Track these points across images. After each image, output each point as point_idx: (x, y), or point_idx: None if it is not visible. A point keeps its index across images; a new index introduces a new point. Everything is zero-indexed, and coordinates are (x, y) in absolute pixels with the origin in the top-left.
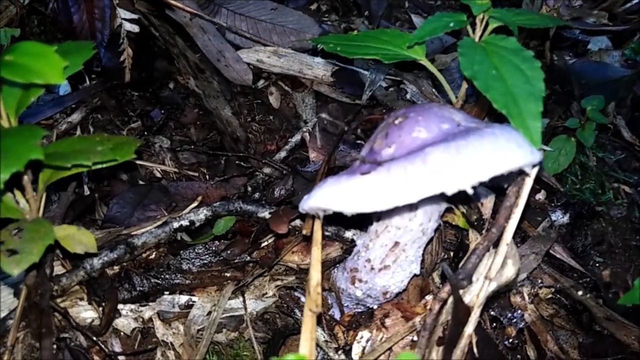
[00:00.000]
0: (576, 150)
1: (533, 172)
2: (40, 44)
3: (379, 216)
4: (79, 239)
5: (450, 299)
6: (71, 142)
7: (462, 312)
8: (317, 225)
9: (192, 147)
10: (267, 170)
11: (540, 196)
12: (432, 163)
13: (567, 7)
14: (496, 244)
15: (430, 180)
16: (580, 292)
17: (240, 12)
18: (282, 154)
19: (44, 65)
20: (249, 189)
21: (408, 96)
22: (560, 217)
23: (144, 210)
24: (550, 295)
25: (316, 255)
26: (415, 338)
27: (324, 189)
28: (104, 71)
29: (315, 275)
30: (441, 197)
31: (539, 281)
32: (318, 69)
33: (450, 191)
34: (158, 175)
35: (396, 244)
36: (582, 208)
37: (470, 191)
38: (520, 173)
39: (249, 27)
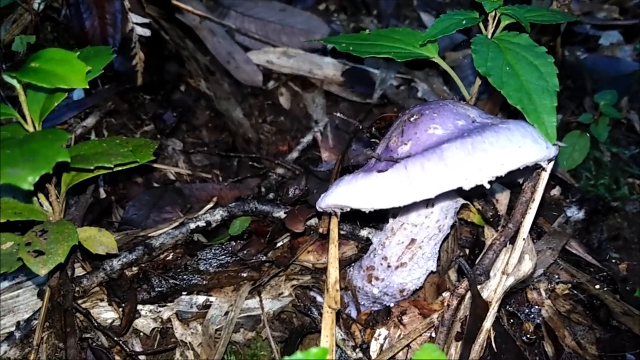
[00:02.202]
0: (590, 146)
1: (549, 167)
2: (64, 51)
3: (395, 214)
4: (100, 240)
5: (469, 295)
6: (93, 145)
7: (480, 307)
8: (334, 223)
9: (205, 149)
10: (280, 171)
11: (556, 192)
12: (449, 159)
13: (578, 2)
14: (513, 240)
15: (447, 176)
16: (597, 287)
17: (249, 14)
18: (295, 154)
19: (68, 71)
20: (263, 189)
21: (419, 94)
22: (575, 213)
23: (160, 212)
24: (567, 291)
25: (334, 253)
26: (434, 335)
27: (342, 187)
28: (117, 76)
29: (333, 273)
30: (458, 193)
31: (556, 277)
32: (328, 69)
33: (468, 186)
34: (172, 177)
35: (413, 241)
36: (597, 204)
37: (487, 186)
38: (536, 168)
39: (258, 28)
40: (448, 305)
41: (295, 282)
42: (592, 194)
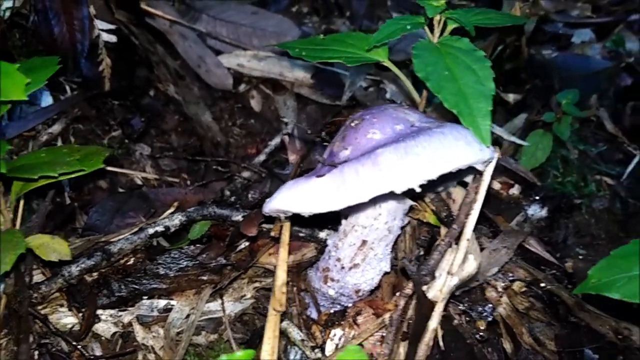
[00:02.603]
0: (557, 144)
1: (490, 168)
2: (4, 63)
3: (346, 215)
4: (53, 247)
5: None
6: (38, 154)
7: (425, 307)
8: (285, 227)
9: (172, 153)
10: (246, 174)
11: (515, 191)
12: (382, 163)
13: (551, 0)
14: (458, 240)
15: (380, 180)
16: (555, 284)
17: (221, 17)
18: (262, 157)
19: (7, 83)
20: (228, 192)
21: (388, 95)
22: (537, 211)
23: (123, 217)
24: (525, 289)
25: (283, 255)
26: (385, 334)
27: (283, 192)
28: (85, 81)
29: (281, 275)
30: (405, 195)
31: (510, 275)
32: (298, 71)
33: (399, 190)
34: (139, 182)
35: (364, 242)
36: (560, 201)
37: (418, 189)
38: (477, 170)
39: (230, 32)
40: (396, 305)
41: (257, 284)
42: (559, 190)
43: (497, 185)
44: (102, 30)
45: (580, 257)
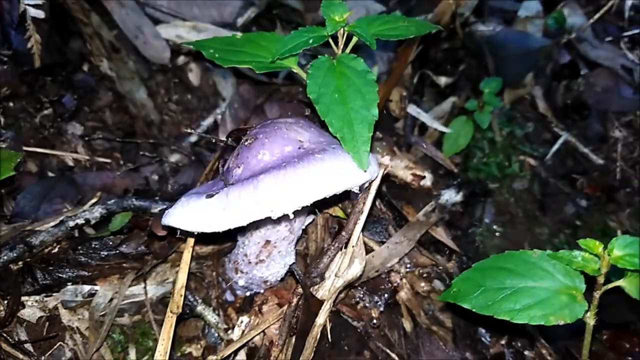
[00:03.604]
0: (481, 127)
1: (375, 183)
2: None
3: None
4: None
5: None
6: None
7: (314, 305)
8: (189, 241)
9: (105, 133)
10: (176, 157)
11: (427, 182)
12: (261, 190)
13: None
14: (346, 245)
15: (258, 206)
16: (455, 269)
17: None
18: (193, 138)
19: None
20: (155, 177)
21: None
22: (453, 196)
23: (51, 203)
24: (426, 274)
25: (186, 258)
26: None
27: (177, 208)
28: (15, 55)
29: (181, 278)
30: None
31: (415, 261)
32: None
33: (275, 215)
34: (70, 164)
35: (267, 242)
36: (474, 187)
37: (291, 216)
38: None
39: (169, 0)
40: (289, 302)
41: (178, 267)
42: (475, 176)
43: (409, 177)
44: (29, 5)
45: (497, 234)
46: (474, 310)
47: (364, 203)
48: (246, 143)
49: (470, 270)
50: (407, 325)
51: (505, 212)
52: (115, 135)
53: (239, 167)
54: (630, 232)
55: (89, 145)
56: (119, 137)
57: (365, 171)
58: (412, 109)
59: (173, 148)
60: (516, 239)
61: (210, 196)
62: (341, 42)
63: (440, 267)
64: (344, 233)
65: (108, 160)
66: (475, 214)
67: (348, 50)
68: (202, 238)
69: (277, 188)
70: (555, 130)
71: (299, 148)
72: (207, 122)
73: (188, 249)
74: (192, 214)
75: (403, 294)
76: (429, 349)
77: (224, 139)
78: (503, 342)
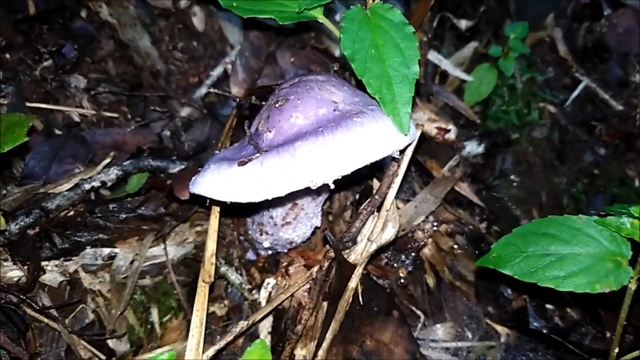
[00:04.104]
0: (503, 74)
1: (411, 147)
2: None
3: None
4: None
5: None
6: None
7: (347, 269)
8: (214, 209)
9: (110, 86)
10: (186, 110)
11: (451, 135)
12: (300, 158)
13: None
14: (379, 208)
15: (297, 176)
16: (479, 225)
17: None
18: (203, 90)
19: None
20: (167, 133)
21: (337, 17)
22: (475, 148)
23: (61, 163)
24: (450, 230)
25: (213, 224)
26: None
27: (207, 176)
28: (7, 1)
29: (210, 246)
30: None
31: (440, 218)
32: None
33: (315, 186)
34: (76, 119)
35: (295, 204)
36: (497, 138)
37: (332, 186)
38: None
39: None
40: (320, 266)
41: (198, 228)
42: (496, 126)
43: (434, 131)
44: None
45: (515, 184)
46: (515, 277)
47: (398, 166)
48: (276, 105)
49: (510, 235)
50: (431, 281)
51: (524, 161)
52: (120, 87)
53: (270, 131)
54: None
55: (94, 99)
56: (125, 89)
57: (406, 135)
58: (433, 56)
59: (183, 101)
60: (533, 188)
61: (243, 163)
62: None
63: (464, 222)
64: (377, 196)
65: (115, 115)
66: (496, 165)
67: None
68: (229, 207)
69: (316, 156)
70: (576, 76)
71: (334, 110)
72: (217, 72)
73: (215, 214)
74: (224, 183)
75: (427, 251)
76: (452, 304)
77: (249, 97)
78: (525, 296)
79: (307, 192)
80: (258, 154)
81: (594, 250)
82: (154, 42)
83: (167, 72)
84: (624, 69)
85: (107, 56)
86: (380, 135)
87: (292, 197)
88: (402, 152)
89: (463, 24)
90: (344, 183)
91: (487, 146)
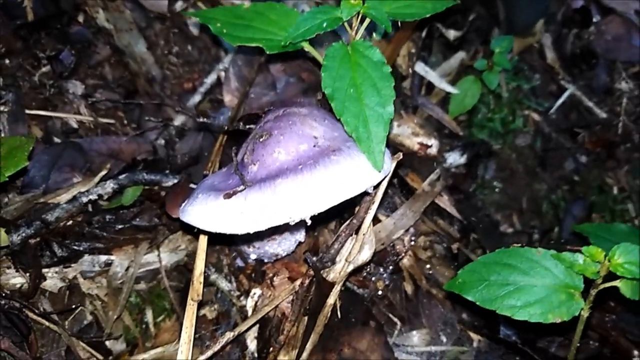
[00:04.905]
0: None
1: (386, 179)
2: None
3: None
4: None
5: None
6: None
7: (325, 287)
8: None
9: (106, 92)
10: (181, 119)
11: (433, 150)
12: (280, 195)
13: None
14: (357, 231)
15: (276, 212)
16: (457, 234)
17: None
18: (197, 97)
19: None
20: (162, 142)
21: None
22: (457, 159)
23: (60, 172)
24: (429, 241)
25: (202, 245)
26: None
27: (195, 206)
28: (5, 6)
29: (199, 265)
30: None
31: (419, 230)
32: None
33: (294, 221)
34: (74, 126)
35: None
36: (479, 149)
37: (308, 222)
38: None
39: None
40: (302, 283)
41: (190, 236)
42: (480, 135)
43: (415, 146)
44: None
45: (497, 190)
46: (477, 303)
47: (374, 194)
48: (261, 140)
49: (475, 262)
50: (409, 289)
51: (506, 168)
52: (116, 93)
53: (254, 164)
54: (626, 190)
55: (91, 106)
56: (121, 94)
57: (379, 172)
58: (420, 67)
59: (177, 109)
60: (515, 194)
61: (228, 195)
62: (355, 24)
63: (442, 232)
64: (355, 220)
65: (112, 121)
66: (478, 174)
67: (362, 29)
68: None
69: (295, 194)
70: (562, 83)
71: (314, 146)
72: (210, 79)
73: (204, 235)
74: (210, 214)
75: (405, 261)
76: (428, 311)
77: (237, 123)
78: None
79: (285, 226)
80: (243, 187)
81: (549, 282)
82: (150, 47)
83: (162, 77)
84: (610, 75)
85: (104, 61)
86: (355, 173)
87: (271, 231)
88: (376, 186)
89: (451, 34)
90: (320, 219)
91: (469, 157)
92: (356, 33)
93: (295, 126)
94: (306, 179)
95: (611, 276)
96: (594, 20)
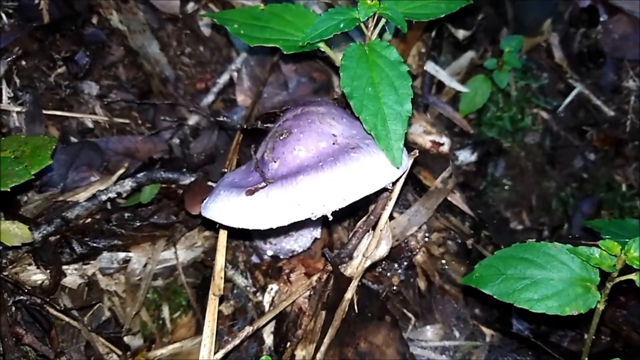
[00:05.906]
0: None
1: (404, 176)
2: None
3: None
4: (15, 232)
5: None
6: None
7: (343, 282)
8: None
9: (121, 93)
10: (195, 118)
11: (445, 148)
12: (302, 191)
13: None
14: (374, 227)
15: (299, 208)
16: (469, 231)
17: None
18: (210, 97)
19: None
20: (177, 141)
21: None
22: (468, 157)
23: (77, 171)
24: (441, 238)
25: (222, 240)
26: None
27: (217, 203)
28: (21, 9)
29: (219, 260)
30: None
31: (432, 227)
32: None
33: (316, 217)
34: (90, 125)
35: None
36: (489, 147)
37: (330, 217)
38: None
39: None
40: (319, 278)
41: (207, 233)
42: (489, 133)
43: (428, 144)
44: None
45: (506, 187)
46: (495, 296)
47: (392, 191)
48: (281, 138)
49: (492, 257)
50: (422, 285)
51: (516, 165)
52: (131, 93)
53: (274, 161)
54: (635, 187)
55: (106, 106)
56: (135, 94)
57: (398, 168)
58: (430, 67)
59: (191, 109)
60: (524, 191)
61: (250, 192)
62: (371, 25)
63: (455, 229)
64: (372, 216)
65: (127, 121)
66: (488, 172)
67: (378, 29)
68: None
69: (317, 190)
70: (570, 82)
71: (334, 143)
72: (223, 79)
73: (224, 231)
74: (233, 210)
75: (419, 257)
76: (442, 306)
77: (255, 122)
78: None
79: (303, 223)
80: (264, 184)
81: (566, 276)
82: (163, 48)
83: (175, 78)
84: (618, 74)
85: (118, 62)
86: (375, 170)
87: (289, 227)
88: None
89: (461, 34)
90: (335, 216)
91: (479, 155)
92: (372, 33)
93: (314, 124)
94: (327, 175)
95: (626, 270)
96: (601, 19)
